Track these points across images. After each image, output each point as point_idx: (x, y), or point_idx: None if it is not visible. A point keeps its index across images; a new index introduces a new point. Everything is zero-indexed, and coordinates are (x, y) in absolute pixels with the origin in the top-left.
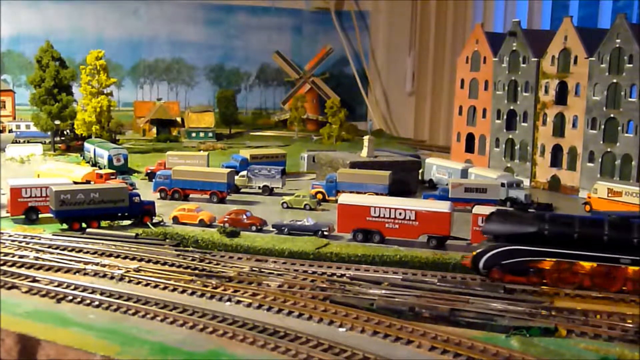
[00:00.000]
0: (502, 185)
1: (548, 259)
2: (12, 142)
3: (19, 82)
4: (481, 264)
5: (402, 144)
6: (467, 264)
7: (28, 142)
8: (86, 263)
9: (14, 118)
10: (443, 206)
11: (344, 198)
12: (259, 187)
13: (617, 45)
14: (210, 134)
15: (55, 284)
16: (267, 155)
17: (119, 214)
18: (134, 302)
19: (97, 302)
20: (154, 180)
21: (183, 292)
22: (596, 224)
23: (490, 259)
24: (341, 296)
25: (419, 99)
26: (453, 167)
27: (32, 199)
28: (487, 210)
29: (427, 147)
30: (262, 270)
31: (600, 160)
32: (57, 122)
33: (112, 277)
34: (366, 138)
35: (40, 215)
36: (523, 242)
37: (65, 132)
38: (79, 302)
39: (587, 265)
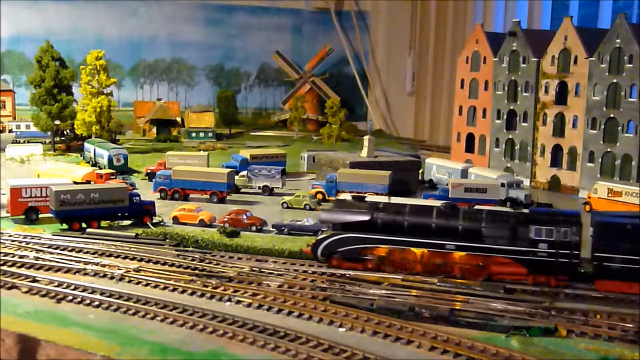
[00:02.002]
0: (502, 185)
1: (382, 246)
2: (12, 142)
3: (19, 82)
4: (319, 252)
5: (402, 144)
6: (308, 252)
7: (28, 142)
8: (86, 263)
9: (14, 118)
10: None
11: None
12: (259, 187)
13: (617, 45)
14: (210, 134)
15: (55, 284)
16: (267, 155)
17: (119, 214)
18: (134, 302)
19: (97, 302)
20: (154, 180)
21: (183, 292)
22: (425, 212)
23: (328, 246)
24: (341, 296)
25: (419, 99)
26: (453, 167)
27: (32, 199)
28: None
29: (427, 147)
30: (262, 270)
31: (600, 160)
32: (57, 122)
33: (112, 277)
34: (366, 138)
35: (40, 215)
36: (358, 230)
37: (65, 132)
38: (79, 302)
39: (417, 251)
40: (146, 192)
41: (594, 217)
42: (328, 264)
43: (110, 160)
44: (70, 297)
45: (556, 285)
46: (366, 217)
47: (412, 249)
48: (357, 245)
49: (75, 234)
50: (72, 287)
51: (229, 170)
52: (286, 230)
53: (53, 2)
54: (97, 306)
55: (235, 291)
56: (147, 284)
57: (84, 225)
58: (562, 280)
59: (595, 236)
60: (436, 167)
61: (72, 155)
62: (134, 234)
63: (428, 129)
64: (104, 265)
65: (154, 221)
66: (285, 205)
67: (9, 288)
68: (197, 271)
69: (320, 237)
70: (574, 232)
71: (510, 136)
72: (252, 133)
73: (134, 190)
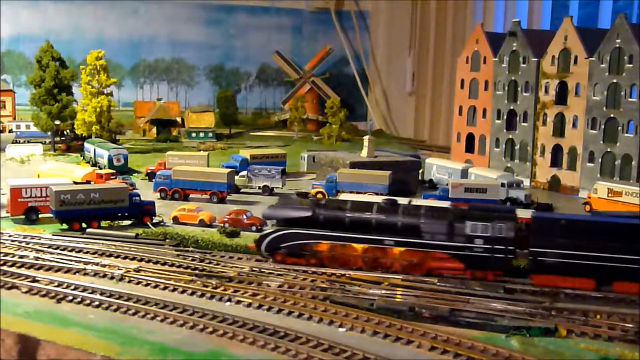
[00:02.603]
0: (502, 185)
1: (324, 242)
2: (12, 142)
3: (19, 82)
4: (263, 247)
5: (402, 144)
6: (253, 247)
7: (28, 142)
8: (86, 263)
9: (14, 118)
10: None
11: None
12: (259, 187)
13: (617, 45)
14: (210, 134)
15: (55, 284)
16: (267, 155)
17: (119, 214)
18: (134, 302)
19: (97, 302)
20: (154, 180)
21: (183, 292)
22: (366, 208)
23: (271, 242)
24: (341, 296)
25: (419, 99)
26: (453, 167)
27: (32, 199)
28: None
29: (427, 147)
30: (262, 270)
31: (600, 160)
32: (57, 122)
33: (112, 277)
34: (366, 138)
35: (40, 215)
36: (301, 226)
37: (65, 132)
38: (79, 302)
39: (358, 247)
40: (146, 192)
41: (533, 214)
42: (272, 259)
43: (110, 160)
44: (70, 297)
45: (493, 280)
46: (308, 213)
47: (353, 244)
48: (300, 240)
49: (75, 234)
50: (72, 287)
51: (229, 170)
52: None
53: (53, 2)
54: (97, 306)
55: (235, 291)
56: (147, 284)
57: (84, 225)
58: (498, 275)
59: (531, 232)
60: (436, 167)
61: (72, 155)
62: (134, 234)
63: (428, 129)
64: (104, 265)
65: (154, 221)
66: None
67: (9, 288)
68: (197, 271)
69: (264, 232)
70: (508, 228)
71: (510, 136)
72: (252, 133)
73: (134, 190)
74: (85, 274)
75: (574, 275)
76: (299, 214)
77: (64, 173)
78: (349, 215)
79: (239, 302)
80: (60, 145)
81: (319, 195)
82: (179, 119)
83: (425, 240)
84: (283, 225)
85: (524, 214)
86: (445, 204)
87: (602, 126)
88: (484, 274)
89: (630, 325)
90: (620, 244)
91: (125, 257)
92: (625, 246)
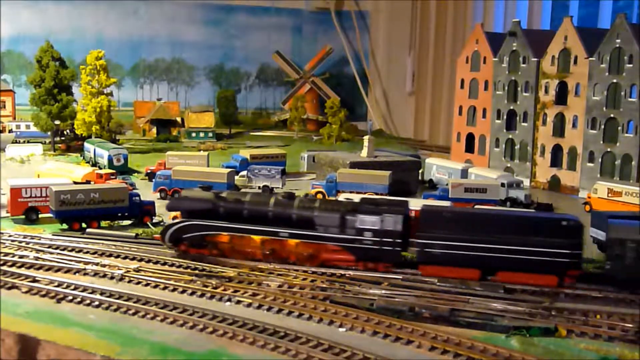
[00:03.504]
0: (502, 185)
1: (224, 233)
2: (12, 142)
3: (19, 82)
4: (167, 238)
5: (402, 144)
6: (158, 238)
7: (28, 142)
8: (86, 263)
9: (14, 118)
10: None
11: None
12: (259, 187)
13: (617, 45)
14: (210, 134)
15: (55, 284)
16: (267, 155)
17: (119, 214)
18: (134, 302)
19: (97, 302)
20: (154, 180)
21: (183, 292)
22: (263, 201)
23: (174, 233)
24: (341, 296)
25: (419, 99)
26: (453, 167)
27: (32, 199)
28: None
29: (427, 147)
30: (262, 270)
31: (600, 160)
32: (57, 122)
33: (112, 277)
34: (366, 138)
35: (40, 215)
36: (204, 217)
37: (65, 132)
38: (79, 302)
39: (257, 238)
40: (146, 192)
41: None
42: (176, 250)
43: (110, 160)
44: (70, 297)
45: (383, 271)
46: (209, 206)
47: (252, 236)
48: (201, 232)
49: (75, 234)
50: (72, 287)
51: (229, 170)
52: None
53: (53, 2)
54: (97, 306)
55: (235, 291)
56: (147, 284)
57: (84, 225)
58: (388, 267)
59: (418, 224)
60: (436, 167)
61: (72, 155)
62: (134, 234)
63: (428, 129)
64: (104, 265)
65: (154, 221)
66: None
67: (9, 288)
68: (197, 271)
69: (168, 224)
70: (397, 221)
71: (510, 136)
72: (252, 133)
73: (134, 190)
74: (85, 274)
75: (460, 265)
76: (200, 206)
77: (64, 173)
78: (247, 207)
79: (239, 302)
80: (60, 145)
81: (319, 196)
82: (179, 119)
83: (318, 233)
84: (187, 216)
85: (416, 206)
86: (446, 203)
87: (602, 126)
88: (375, 266)
89: (630, 325)
90: (504, 235)
91: (125, 257)
92: (509, 237)
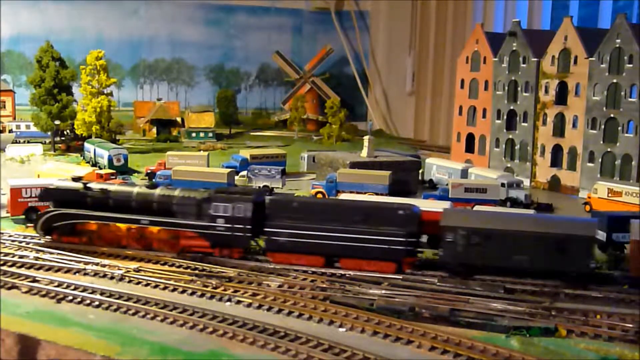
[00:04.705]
0: (502, 185)
1: (92, 222)
2: (12, 142)
3: (19, 82)
4: (38, 227)
5: (402, 144)
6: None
7: (28, 142)
8: (86, 263)
9: (14, 118)
10: (443, 206)
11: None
12: (259, 187)
13: (617, 45)
14: (210, 134)
15: (55, 284)
16: (267, 155)
17: None
18: (134, 302)
19: (97, 302)
20: (153, 180)
21: (183, 292)
22: (126, 192)
23: (46, 221)
24: (341, 296)
25: (419, 99)
26: (453, 167)
27: (32, 199)
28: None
29: (427, 147)
30: (262, 270)
31: (600, 160)
32: (57, 122)
33: (112, 277)
34: (366, 138)
35: None
36: (74, 207)
37: (65, 132)
38: (79, 302)
39: (122, 226)
40: None
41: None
42: (50, 239)
43: (110, 160)
44: (70, 297)
45: (238, 257)
46: (78, 196)
47: (118, 224)
48: (70, 220)
49: None
50: (72, 287)
51: (229, 170)
52: None
53: (53, 2)
54: (97, 306)
55: (235, 291)
56: (147, 284)
57: None
58: (239, 253)
59: (266, 213)
60: (436, 167)
61: (72, 155)
62: None
63: (428, 129)
64: (104, 265)
65: None
66: None
67: (9, 288)
68: (197, 271)
69: (40, 213)
70: (246, 209)
71: (510, 136)
72: (252, 133)
73: None
74: (85, 274)
75: (305, 253)
76: (70, 196)
77: (64, 173)
78: (112, 197)
79: (239, 302)
80: (60, 145)
81: (319, 196)
82: (179, 119)
83: (175, 220)
84: (58, 206)
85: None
86: (446, 204)
87: (602, 126)
88: (229, 252)
89: (630, 325)
90: (345, 224)
91: (125, 257)
92: (349, 226)
